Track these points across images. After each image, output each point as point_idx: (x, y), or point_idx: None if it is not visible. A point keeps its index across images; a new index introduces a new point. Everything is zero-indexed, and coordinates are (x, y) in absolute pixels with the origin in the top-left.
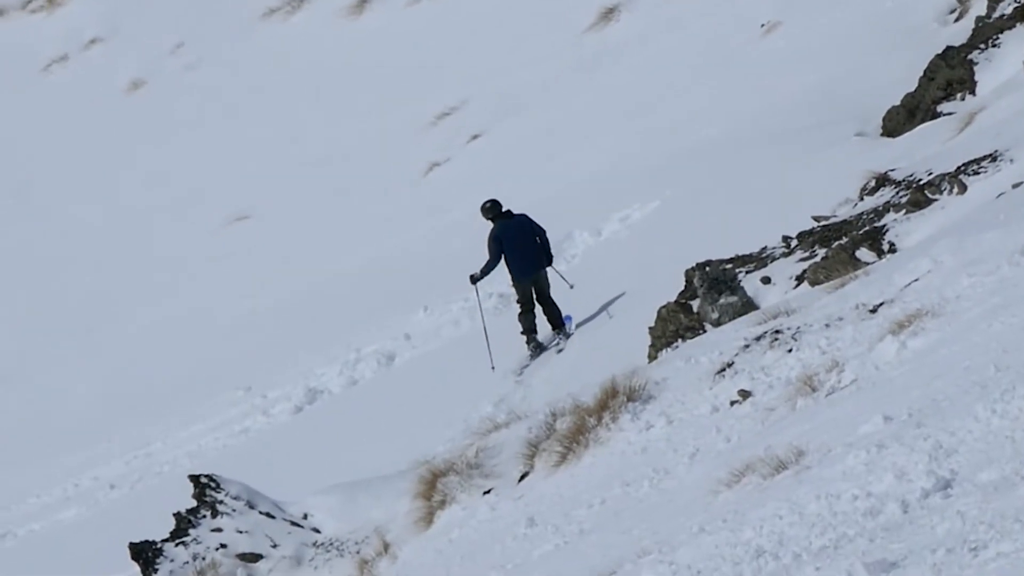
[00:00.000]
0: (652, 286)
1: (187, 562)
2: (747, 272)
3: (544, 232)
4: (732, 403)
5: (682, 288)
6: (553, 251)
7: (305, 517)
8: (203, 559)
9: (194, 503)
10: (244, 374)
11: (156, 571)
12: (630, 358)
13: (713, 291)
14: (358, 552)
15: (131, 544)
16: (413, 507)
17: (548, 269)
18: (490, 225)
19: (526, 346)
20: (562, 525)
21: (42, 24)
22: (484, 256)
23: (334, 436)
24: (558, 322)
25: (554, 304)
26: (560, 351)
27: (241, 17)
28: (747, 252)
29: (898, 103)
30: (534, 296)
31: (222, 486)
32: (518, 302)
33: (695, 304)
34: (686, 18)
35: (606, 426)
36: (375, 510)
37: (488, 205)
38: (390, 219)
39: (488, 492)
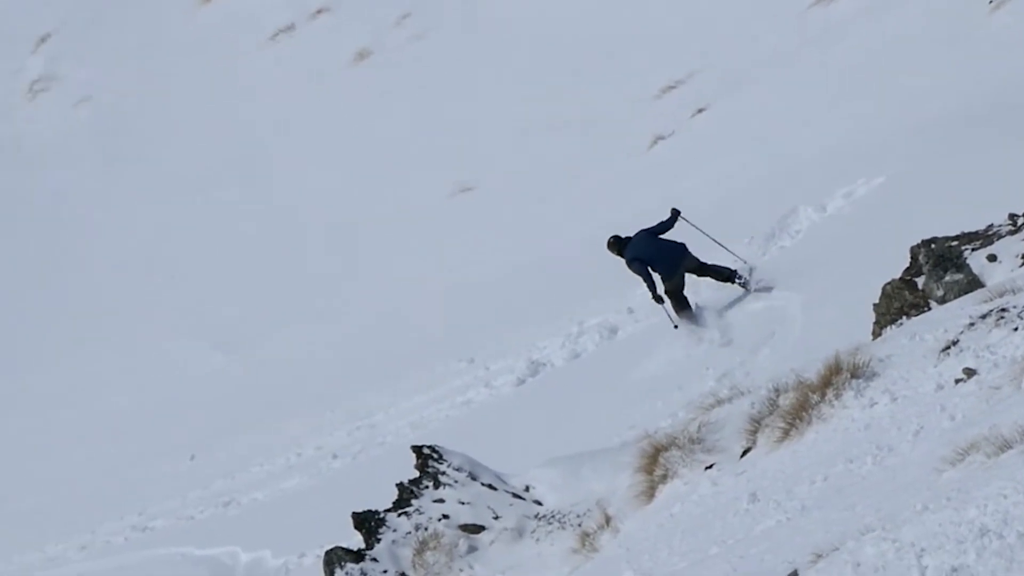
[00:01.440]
0: (876, 262)
1: (409, 532)
2: (973, 250)
3: (657, 226)
4: (957, 381)
5: (907, 265)
6: (777, 226)
7: (527, 489)
8: (425, 529)
9: (417, 474)
10: (467, 346)
11: (379, 541)
12: (854, 335)
13: (938, 268)
14: (579, 525)
15: (354, 514)
16: (635, 481)
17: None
18: (620, 259)
19: (679, 315)
20: (784, 501)
21: None
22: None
23: (556, 409)
24: (728, 275)
25: (713, 267)
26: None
27: None
28: (973, 229)
29: None
30: (684, 282)
31: (445, 457)
32: (668, 293)
33: (920, 281)
34: None
35: (829, 403)
36: (597, 483)
37: (612, 241)
38: (615, 191)
39: (710, 467)
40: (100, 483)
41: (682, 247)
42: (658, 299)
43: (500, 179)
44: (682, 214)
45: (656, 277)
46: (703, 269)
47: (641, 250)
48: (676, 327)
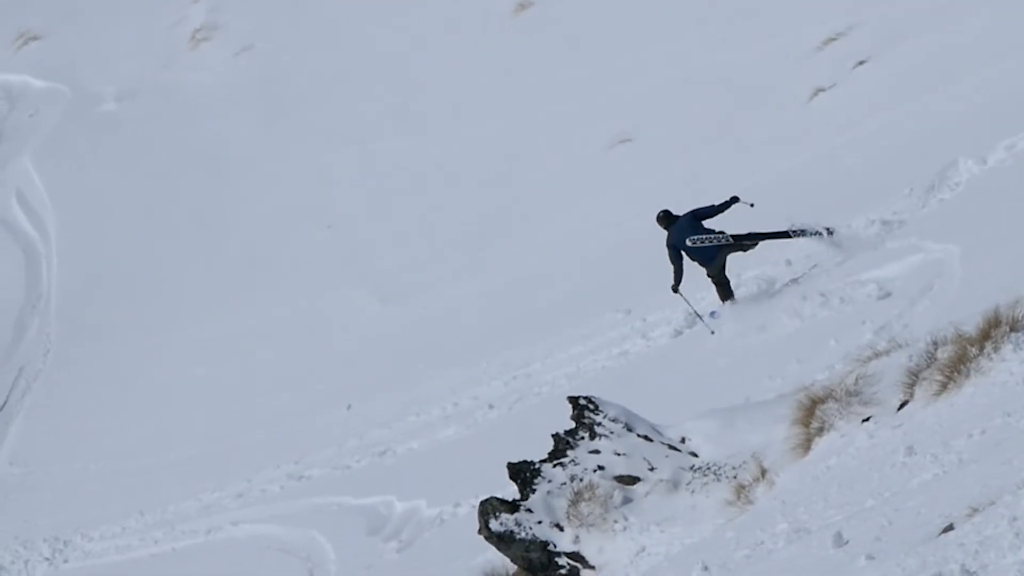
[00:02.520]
0: None
1: (564, 483)
2: None
3: (708, 209)
4: None
5: None
6: (937, 178)
7: (683, 441)
8: (580, 480)
9: (572, 424)
10: (624, 297)
11: (534, 491)
12: (1013, 288)
13: None
14: (735, 477)
15: (509, 464)
16: (791, 433)
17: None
18: (665, 233)
19: (723, 301)
20: (941, 454)
21: None
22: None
23: (713, 360)
24: (777, 234)
25: (760, 234)
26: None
27: None
28: None
29: None
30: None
31: (600, 408)
32: (711, 278)
33: None
34: None
35: (987, 356)
36: (752, 435)
37: (662, 215)
38: (775, 143)
39: (867, 420)
40: (257, 432)
41: (721, 236)
42: (674, 289)
43: (659, 130)
44: (740, 200)
45: (696, 265)
46: (753, 239)
47: (679, 238)
48: (711, 329)
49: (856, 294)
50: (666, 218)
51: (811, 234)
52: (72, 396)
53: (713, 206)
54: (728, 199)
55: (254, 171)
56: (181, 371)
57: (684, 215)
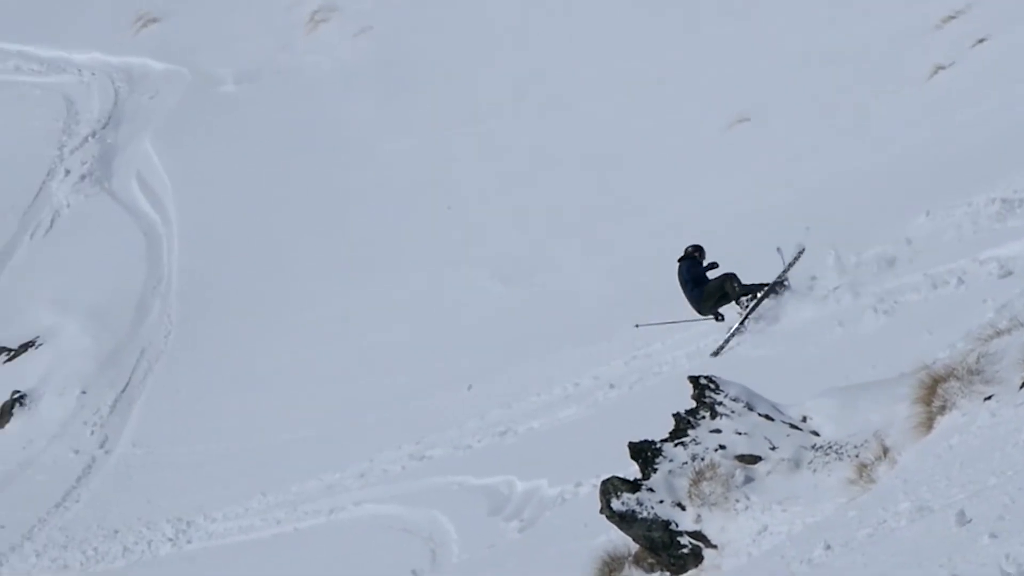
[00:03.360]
0: None
1: (686, 462)
2: None
3: (699, 276)
4: None
5: None
6: None
7: (804, 420)
8: (702, 459)
9: (693, 404)
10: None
11: (655, 470)
12: None
13: None
14: (857, 456)
15: (631, 443)
16: (912, 412)
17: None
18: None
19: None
20: None
21: None
22: None
23: (832, 339)
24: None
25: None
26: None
27: None
28: None
29: None
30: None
31: (721, 387)
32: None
33: None
34: None
35: None
36: (874, 414)
37: (690, 249)
38: (894, 121)
39: (989, 398)
40: (378, 413)
41: (698, 294)
42: (717, 318)
43: (778, 110)
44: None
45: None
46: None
47: (678, 278)
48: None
49: (977, 273)
50: (692, 252)
51: (796, 259)
52: (194, 377)
53: (703, 277)
54: (710, 265)
55: (373, 152)
56: (302, 351)
57: (683, 265)
